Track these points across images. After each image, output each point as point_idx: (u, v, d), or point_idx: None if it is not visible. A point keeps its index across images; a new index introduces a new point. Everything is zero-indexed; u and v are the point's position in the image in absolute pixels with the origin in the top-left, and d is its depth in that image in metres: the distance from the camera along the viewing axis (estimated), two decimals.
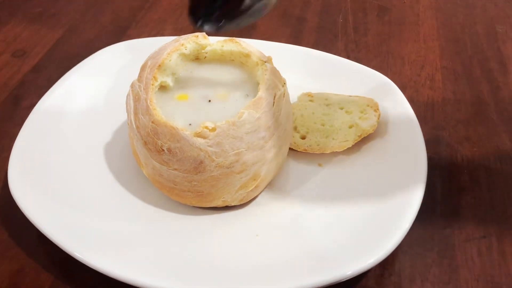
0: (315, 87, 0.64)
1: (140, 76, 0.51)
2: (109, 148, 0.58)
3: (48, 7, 0.85)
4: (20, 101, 0.67)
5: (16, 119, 0.64)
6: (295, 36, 0.79)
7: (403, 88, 0.64)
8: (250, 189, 0.50)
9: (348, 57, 0.75)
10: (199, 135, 0.46)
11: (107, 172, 0.55)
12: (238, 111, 0.47)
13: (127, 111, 0.51)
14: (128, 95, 0.51)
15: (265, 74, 0.50)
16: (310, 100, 0.62)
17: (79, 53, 0.75)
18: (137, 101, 0.50)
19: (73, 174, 0.54)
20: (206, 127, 0.46)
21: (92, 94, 0.63)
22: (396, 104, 0.60)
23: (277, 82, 0.51)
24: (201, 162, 0.47)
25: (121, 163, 0.56)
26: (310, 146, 0.57)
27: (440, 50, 0.77)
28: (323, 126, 0.58)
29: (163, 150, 0.47)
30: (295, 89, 0.60)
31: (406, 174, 0.52)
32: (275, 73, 0.52)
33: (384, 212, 0.49)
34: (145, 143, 0.48)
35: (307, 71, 0.66)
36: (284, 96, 0.51)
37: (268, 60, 0.53)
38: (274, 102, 0.49)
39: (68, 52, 0.76)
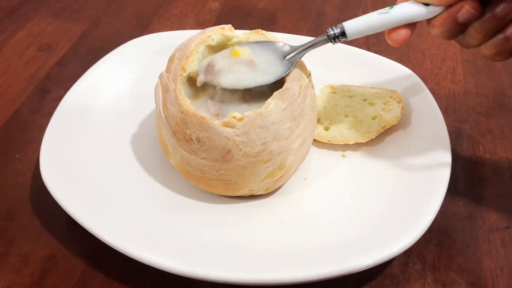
0: (337, 80, 0.65)
1: (168, 67, 0.52)
2: (136, 138, 0.59)
3: (71, 2, 0.87)
4: (46, 94, 0.69)
5: (43, 111, 0.66)
6: (314, 29, 0.80)
7: (424, 81, 0.64)
8: (276, 178, 0.51)
9: (369, 51, 0.75)
10: (227, 124, 0.47)
11: (134, 161, 0.56)
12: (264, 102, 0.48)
13: (155, 102, 0.52)
14: (156, 86, 0.52)
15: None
16: (333, 92, 0.62)
17: (102, 47, 0.76)
18: (166, 91, 0.51)
19: (102, 163, 0.55)
20: (234, 117, 0.47)
21: (117, 86, 0.64)
22: (418, 95, 0.60)
23: (302, 73, 0.52)
24: (229, 151, 0.48)
25: (148, 152, 0.57)
26: (333, 137, 0.57)
27: None
28: (347, 117, 0.59)
29: (192, 139, 0.48)
30: (317, 82, 0.61)
31: (430, 165, 0.53)
32: (300, 64, 0.52)
33: (408, 202, 0.50)
34: (174, 133, 0.49)
35: (329, 63, 0.67)
36: (309, 87, 0.52)
37: None
38: (299, 93, 0.50)
39: (92, 46, 0.77)
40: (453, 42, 0.77)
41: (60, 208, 0.50)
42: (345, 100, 0.61)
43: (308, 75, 0.53)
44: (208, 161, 0.49)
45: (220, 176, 0.50)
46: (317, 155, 0.57)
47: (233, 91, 0.52)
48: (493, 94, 0.68)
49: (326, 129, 0.59)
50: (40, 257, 0.50)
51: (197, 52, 0.52)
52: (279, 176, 0.51)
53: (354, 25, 0.47)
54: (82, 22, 0.82)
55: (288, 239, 0.49)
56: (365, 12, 0.84)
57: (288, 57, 0.51)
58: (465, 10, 0.42)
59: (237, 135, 0.47)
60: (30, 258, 0.50)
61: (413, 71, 0.65)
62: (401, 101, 0.58)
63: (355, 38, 0.48)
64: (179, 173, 0.53)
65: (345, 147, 0.57)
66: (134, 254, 0.46)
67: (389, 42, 0.47)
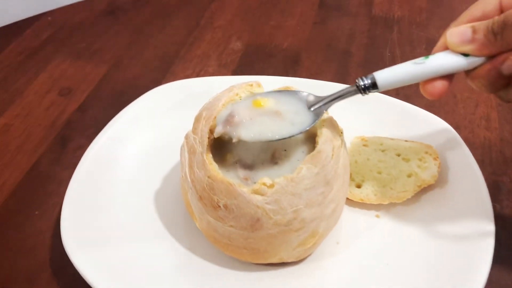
0: (367, 129, 0.62)
1: (194, 127, 0.50)
2: (160, 196, 0.56)
3: (92, 43, 0.86)
4: (67, 143, 0.67)
5: (64, 162, 0.64)
6: (340, 71, 0.77)
7: (457, 129, 0.61)
8: (308, 246, 0.48)
9: (398, 95, 0.72)
10: (256, 191, 0.45)
11: (158, 222, 0.54)
12: (296, 166, 0.46)
13: (181, 163, 0.50)
14: (182, 146, 0.50)
15: (323, 126, 0.48)
16: (364, 145, 0.60)
17: (124, 90, 0.75)
18: (192, 154, 0.48)
19: (124, 224, 0.53)
20: (264, 184, 0.45)
21: (140, 139, 0.62)
22: (455, 150, 0.57)
23: (335, 133, 0.49)
24: (258, 219, 0.45)
25: (173, 213, 0.55)
26: (367, 195, 0.54)
27: None
28: (380, 174, 0.56)
29: (219, 206, 0.46)
30: (346, 131, 0.58)
31: (472, 230, 0.49)
32: (332, 123, 0.50)
33: (450, 274, 0.46)
34: (200, 198, 0.47)
35: (358, 112, 0.64)
36: (342, 147, 0.49)
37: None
38: (332, 154, 0.47)
39: (113, 89, 0.76)
40: None
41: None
42: (378, 154, 0.58)
43: (341, 133, 0.50)
44: (236, 229, 0.46)
45: (249, 244, 0.47)
46: (349, 214, 0.54)
47: (264, 151, 0.49)
48: None
49: (358, 186, 0.56)
50: None
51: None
52: (312, 244, 0.48)
53: (386, 76, 0.43)
54: (103, 64, 0.81)
55: None
56: (392, 51, 0.81)
57: (313, 108, 0.48)
58: (511, 62, 0.39)
59: (267, 203, 0.45)
60: None
61: (445, 117, 0.62)
62: (437, 157, 0.55)
63: (387, 89, 0.44)
64: (205, 236, 0.50)
65: (378, 206, 0.54)
66: None
67: (424, 94, 0.43)
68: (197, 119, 0.50)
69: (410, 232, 0.52)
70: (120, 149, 0.61)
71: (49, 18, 0.92)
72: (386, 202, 0.53)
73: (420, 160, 0.56)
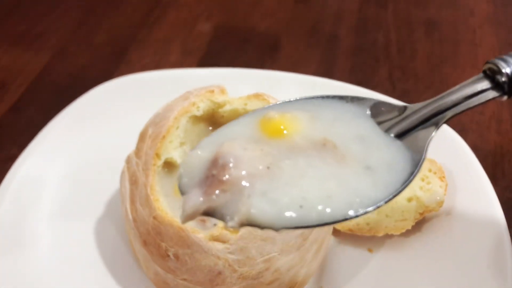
0: None
1: (138, 148, 0.39)
2: (102, 229, 0.46)
3: (33, 25, 0.73)
4: None
5: None
6: (326, 60, 0.66)
7: (463, 132, 0.53)
8: None
9: (394, 89, 0.62)
10: (216, 238, 0.35)
11: (100, 264, 0.43)
12: None
13: (121, 194, 0.40)
14: (122, 172, 0.40)
15: None
16: None
17: (68, 84, 0.64)
18: (134, 184, 0.38)
19: (56, 268, 0.42)
20: (226, 228, 0.34)
21: (82, 152, 0.51)
22: (463, 166, 0.48)
23: None
24: (219, 273, 0.36)
25: (116, 251, 0.44)
26: (357, 225, 0.45)
27: None
28: None
29: (168, 255, 0.36)
30: None
31: (486, 265, 0.40)
32: None
33: None
34: (145, 243, 0.37)
35: None
36: None
37: None
38: None
39: (56, 83, 0.64)
40: None
41: None
42: None
43: None
44: (191, 284, 0.37)
45: None
46: (336, 249, 0.45)
47: None
48: None
49: None
50: None
51: (177, 127, 0.39)
52: None
53: None
54: (45, 51, 0.69)
55: None
56: (387, 35, 0.70)
57: (396, 131, 0.26)
58: None
59: (230, 253, 0.35)
60: None
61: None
62: (443, 177, 0.45)
63: None
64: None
65: (371, 238, 0.45)
66: None
67: None
68: (142, 137, 0.39)
69: (410, 271, 0.43)
70: (53, 165, 0.49)
71: None
72: (380, 234, 0.44)
73: (422, 179, 0.46)
